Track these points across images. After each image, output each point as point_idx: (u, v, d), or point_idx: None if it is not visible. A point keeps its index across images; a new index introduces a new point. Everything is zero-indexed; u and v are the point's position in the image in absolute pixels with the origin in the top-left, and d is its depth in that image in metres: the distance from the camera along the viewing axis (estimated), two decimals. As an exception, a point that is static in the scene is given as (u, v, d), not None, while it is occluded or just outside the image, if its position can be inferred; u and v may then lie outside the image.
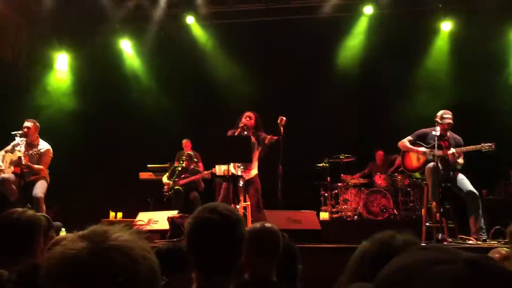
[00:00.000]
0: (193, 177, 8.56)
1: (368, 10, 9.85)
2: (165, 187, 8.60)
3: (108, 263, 0.90)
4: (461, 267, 0.74)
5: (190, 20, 10.34)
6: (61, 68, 10.58)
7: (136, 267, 0.91)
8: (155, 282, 0.97)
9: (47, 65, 10.42)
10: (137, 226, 6.60)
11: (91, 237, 0.93)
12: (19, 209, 2.45)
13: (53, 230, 3.73)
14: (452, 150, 5.97)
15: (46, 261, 0.94)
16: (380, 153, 9.48)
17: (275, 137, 6.18)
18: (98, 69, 10.38)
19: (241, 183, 6.47)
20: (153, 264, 0.97)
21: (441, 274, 0.75)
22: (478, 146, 5.90)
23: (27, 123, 6.88)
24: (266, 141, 6.24)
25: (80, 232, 0.96)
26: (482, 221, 5.84)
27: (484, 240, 5.58)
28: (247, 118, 6.53)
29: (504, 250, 3.03)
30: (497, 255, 2.95)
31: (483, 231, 5.78)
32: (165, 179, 8.85)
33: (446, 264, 0.76)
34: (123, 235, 0.95)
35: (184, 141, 9.46)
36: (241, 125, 6.44)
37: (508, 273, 0.75)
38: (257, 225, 2.59)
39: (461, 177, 6.11)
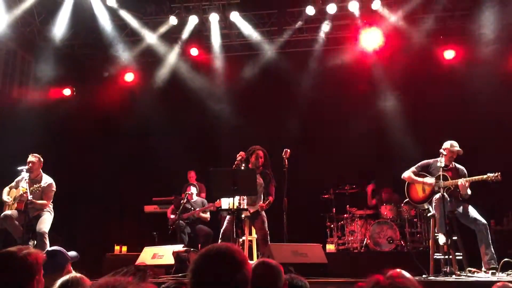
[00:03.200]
0: (197, 210, 8.55)
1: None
2: (170, 220, 8.59)
3: None
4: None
5: (194, 55, 10.51)
6: (66, 101, 10.71)
7: None
8: None
9: (52, 98, 10.56)
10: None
11: None
12: (14, 249, 2.40)
13: (70, 264, 3.71)
14: (462, 180, 5.95)
15: None
16: (387, 190, 9.42)
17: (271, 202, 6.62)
18: (102, 102, 10.50)
19: (242, 216, 6.45)
20: None
21: None
22: (484, 177, 5.88)
23: (32, 158, 6.89)
24: (265, 207, 6.57)
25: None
26: (493, 250, 5.77)
27: (494, 273, 5.49)
28: (260, 158, 6.68)
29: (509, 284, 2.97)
30: None
31: (494, 260, 5.71)
32: (169, 212, 8.84)
33: None
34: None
35: (188, 172, 9.51)
36: (237, 161, 6.52)
37: None
38: (258, 262, 2.55)
39: (469, 207, 6.08)
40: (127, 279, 0.96)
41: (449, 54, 9.75)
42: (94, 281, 3.05)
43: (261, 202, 6.59)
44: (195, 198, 8.79)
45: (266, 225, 6.60)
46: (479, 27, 9.27)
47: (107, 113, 10.51)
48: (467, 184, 5.94)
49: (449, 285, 4.99)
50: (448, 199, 5.92)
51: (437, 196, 5.95)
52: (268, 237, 6.54)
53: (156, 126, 10.40)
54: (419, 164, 6.44)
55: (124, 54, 10.48)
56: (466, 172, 6.23)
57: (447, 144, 6.19)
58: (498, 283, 3.04)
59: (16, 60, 10.12)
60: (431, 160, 6.35)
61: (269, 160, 6.78)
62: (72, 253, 3.89)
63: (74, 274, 2.72)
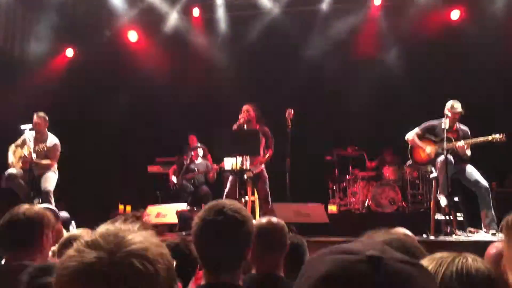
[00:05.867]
0: (200, 172, 8.58)
1: (377, 1, 9.78)
2: (171, 180, 8.64)
3: (129, 271, 0.86)
4: (358, 259, 0.73)
5: (196, 13, 10.34)
6: (68, 62, 10.63)
7: (155, 267, 0.89)
8: (173, 277, 0.95)
9: (54, 59, 10.47)
10: (144, 219, 6.60)
11: (103, 245, 0.88)
12: (25, 206, 2.45)
13: (60, 223, 3.74)
14: (461, 142, 5.92)
15: (57, 277, 0.89)
16: (388, 151, 9.39)
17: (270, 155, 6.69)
18: (104, 62, 10.40)
19: (245, 176, 6.50)
20: (169, 259, 0.95)
21: (335, 260, 0.74)
22: (489, 138, 5.84)
23: (37, 119, 6.87)
24: (263, 161, 6.66)
25: (87, 238, 0.91)
26: (493, 213, 5.81)
27: (494, 234, 5.54)
28: (246, 112, 6.60)
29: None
30: (494, 250, 2.90)
31: (495, 223, 5.75)
32: (171, 172, 8.88)
33: (349, 254, 0.74)
34: (134, 237, 0.92)
35: (190, 136, 9.48)
36: (240, 121, 6.54)
37: (408, 279, 0.72)
38: (263, 220, 2.57)
39: (471, 169, 6.06)
40: (128, 226, 0.95)
41: (456, 12, 9.53)
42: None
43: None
44: (199, 160, 8.80)
45: (267, 185, 6.68)
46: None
47: (109, 73, 10.42)
48: (466, 146, 5.91)
49: (449, 245, 5.05)
50: (453, 161, 5.91)
51: (441, 158, 5.92)
52: (270, 197, 6.62)
53: (159, 85, 10.33)
54: (424, 125, 6.34)
55: (126, 12, 10.31)
56: (469, 133, 6.19)
57: (448, 105, 6.09)
58: (495, 243, 3.05)
59: (17, 17, 9.96)
60: (435, 122, 6.24)
61: (260, 114, 6.78)
62: (64, 213, 3.93)
63: (80, 230, 2.76)
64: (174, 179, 8.75)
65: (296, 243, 2.85)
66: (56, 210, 3.90)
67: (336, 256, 0.75)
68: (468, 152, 6.01)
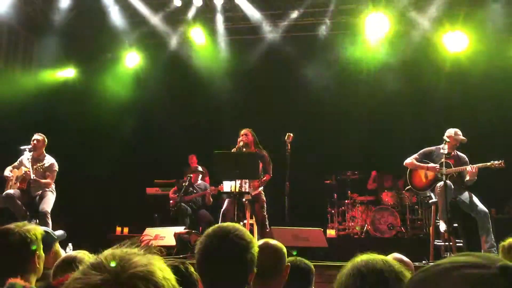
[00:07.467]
0: (199, 193, 8.55)
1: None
2: (171, 202, 8.61)
3: None
4: (494, 273, 0.70)
5: (198, 37, 10.46)
6: (69, 83, 10.70)
7: None
8: None
9: (55, 80, 10.53)
10: (145, 242, 6.54)
11: (108, 267, 0.88)
12: (12, 226, 2.39)
13: (56, 244, 3.69)
14: (469, 167, 5.93)
15: None
16: (388, 177, 9.39)
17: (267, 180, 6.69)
18: (105, 85, 10.47)
19: (244, 199, 6.48)
20: (174, 284, 0.94)
21: (469, 277, 0.71)
22: (488, 164, 5.85)
23: (37, 136, 6.92)
24: (257, 186, 6.60)
25: (92, 261, 0.91)
26: (493, 238, 5.78)
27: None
28: (244, 136, 6.64)
29: None
30: None
31: (495, 248, 5.72)
32: (171, 194, 8.85)
33: (479, 268, 0.72)
34: (140, 259, 0.91)
35: (190, 156, 9.50)
36: (239, 144, 6.56)
37: None
38: (259, 243, 2.52)
39: (470, 195, 6.06)
40: (133, 250, 0.95)
41: (454, 41, 9.64)
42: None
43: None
44: (199, 181, 8.78)
45: (265, 209, 6.65)
46: (486, 13, 9.16)
47: (109, 95, 10.48)
48: (474, 170, 5.92)
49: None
50: (452, 186, 5.91)
51: (441, 183, 5.93)
52: (267, 221, 6.59)
53: (159, 108, 10.38)
54: (421, 151, 6.38)
55: (127, 35, 10.43)
56: (467, 160, 6.21)
57: (451, 132, 6.13)
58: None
59: (19, 39, 10.06)
60: (433, 148, 6.29)
61: (257, 139, 6.81)
62: (59, 232, 3.86)
63: (76, 251, 2.73)
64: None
65: (303, 269, 2.77)
66: (52, 232, 3.85)
67: (464, 271, 0.72)
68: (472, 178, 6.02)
